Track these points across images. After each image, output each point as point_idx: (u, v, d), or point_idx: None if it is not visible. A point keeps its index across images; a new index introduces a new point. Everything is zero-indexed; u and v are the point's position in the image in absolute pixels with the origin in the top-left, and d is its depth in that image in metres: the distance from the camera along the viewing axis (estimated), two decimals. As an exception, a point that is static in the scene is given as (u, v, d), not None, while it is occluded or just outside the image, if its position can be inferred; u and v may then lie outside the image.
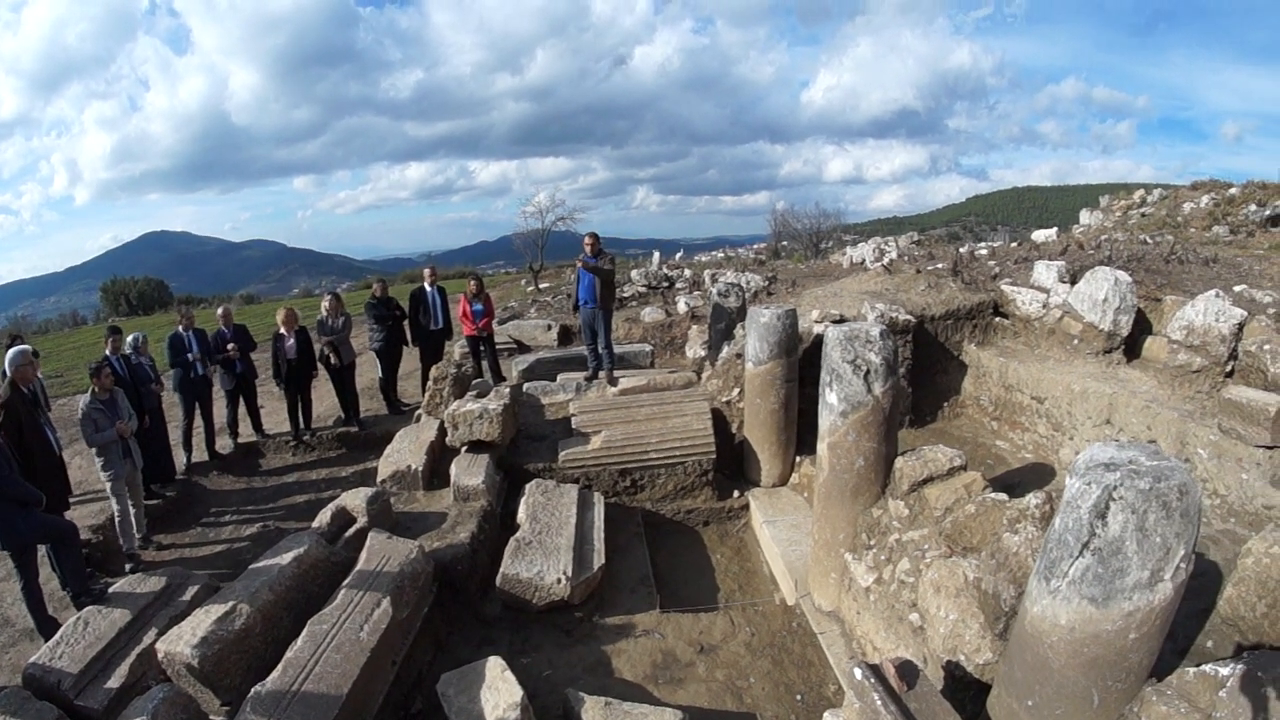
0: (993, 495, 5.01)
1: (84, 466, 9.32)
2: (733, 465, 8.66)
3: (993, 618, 4.14)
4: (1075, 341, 8.24)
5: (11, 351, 7.17)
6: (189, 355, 9.60)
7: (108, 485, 7.51)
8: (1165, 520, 2.95)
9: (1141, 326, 8.13)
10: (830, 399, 5.44)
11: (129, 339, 8.94)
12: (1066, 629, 3.26)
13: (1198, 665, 3.28)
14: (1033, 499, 4.47)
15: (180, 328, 9.67)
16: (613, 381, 9.82)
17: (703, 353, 11.06)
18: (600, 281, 9.60)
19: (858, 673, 3.80)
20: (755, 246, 34.15)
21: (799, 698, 5.38)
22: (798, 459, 8.32)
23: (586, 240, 9.92)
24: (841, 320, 9.15)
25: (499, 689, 4.88)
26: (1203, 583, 3.40)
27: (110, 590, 6.06)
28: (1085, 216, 19.12)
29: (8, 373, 6.77)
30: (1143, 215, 16.44)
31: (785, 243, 31.07)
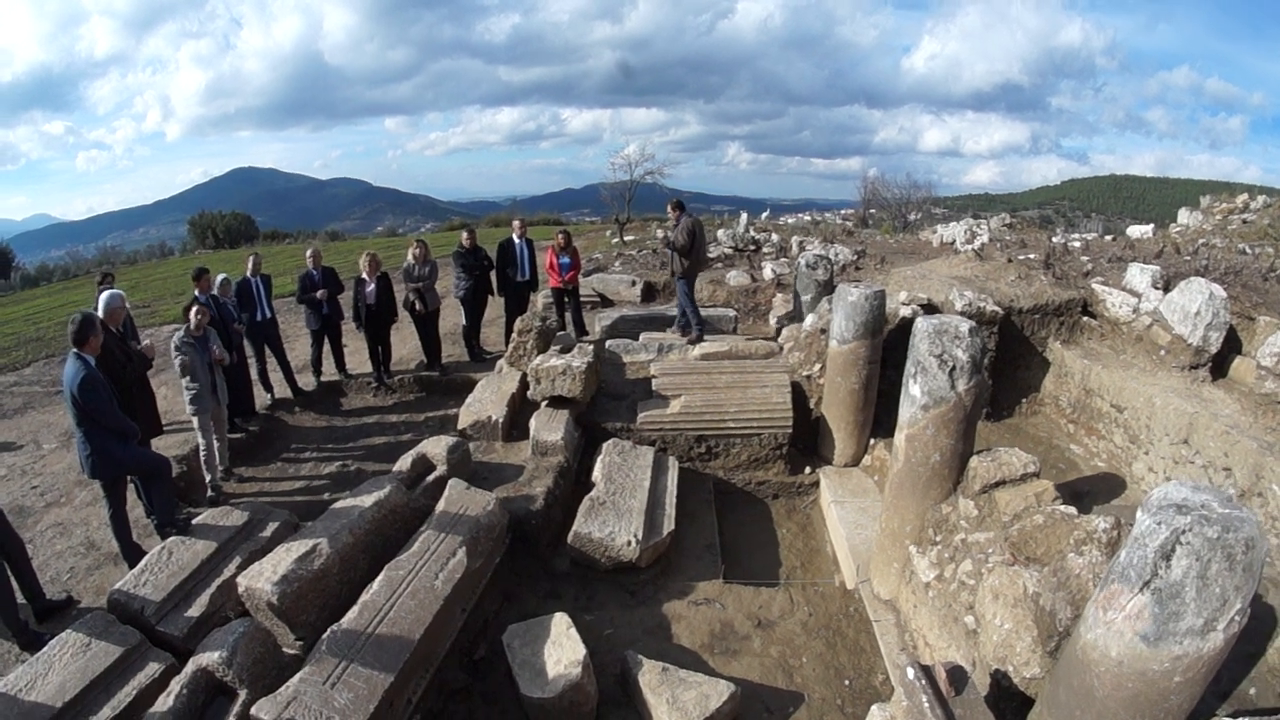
0: (1062, 508, 5.06)
1: (169, 397, 9.79)
2: (807, 440, 8.76)
3: (1045, 635, 4.25)
4: (1162, 352, 8.11)
5: (109, 294, 7.53)
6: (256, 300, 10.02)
7: (194, 420, 7.95)
8: (1227, 572, 3.04)
9: (1231, 344, 7.93)
10: (913, 391, 5.50)
11: (218, 279, 9.33)
12: (1115, 661, 3.37)
13: (1234, 713, 3.37)
14: (1101, 523, 4.53)
15: (249, 273, 10.06)
16: (692, 342, 10.45)
17: (787, 322, 11.13)
18: (673, 254, 10.41)
19: (910, 672, 3.97)
20: (843, 212, 33.77)
21: (847, 683, 5.56)
22: (872, 441, 8.40)
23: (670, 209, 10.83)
24: (929, 305, 9.15)
25: (563, 645, 5.14)
26: (1255, 626, 3.47)
27: (194, 522, 6.43)
28: (1184, 216, 18.51)
29: (100, 312, 7.09)
30: (1244, 222, 15.85)
31: (874, 211, 30.63)
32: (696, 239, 10.55)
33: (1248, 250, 11.93)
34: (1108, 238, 15.50)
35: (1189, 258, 10.89)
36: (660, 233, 11.09)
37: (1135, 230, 16.25)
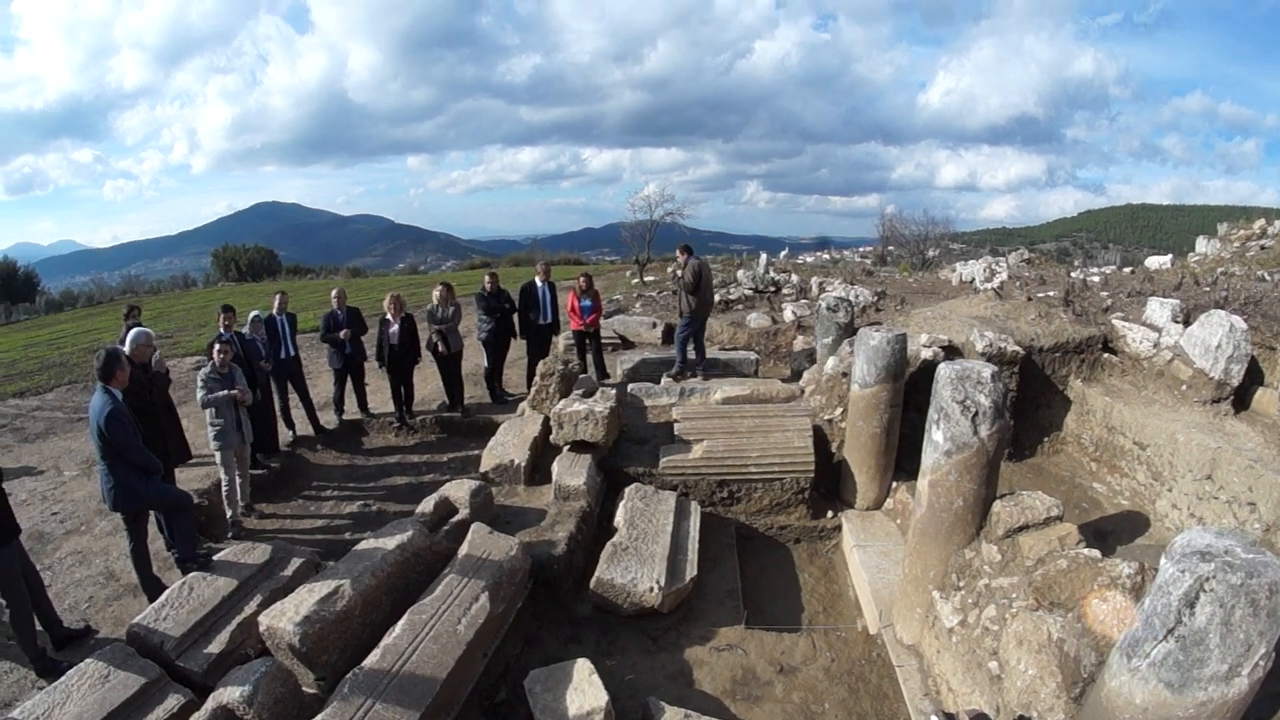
0: (1085, 552, 5.02)
1: (192, 430, 9.76)
2: (829, 484, 8.71)
3: (1070, 681, 4.23)
4: (1184, 387, 8.07)
5: (136, 331, 7.66)
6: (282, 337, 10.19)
7: (216, 455, 8.03)
8: (1251, 617, 3.04)
9: (1253, 376, 7.89)
10: (936, 436, 5.49)
11: (250, 316, 9.48)
12: (1140, 708, 3.37)
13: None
14: (1125, 568, 4.51)
15: (274, 311, 10.23)
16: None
17: (808, 365, 11.15)
18: (682, 294, 11.04)
19: (934, 719, 3.96)
20: (861, 249, 33.88)
21: (868, 729, 5.51)
22: (894, 484, 8.35)
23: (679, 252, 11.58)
24: (950, 347, 9.14)
25: (585, 691, 5.13)
26: (1282, 665, 3.46)
27: (215, 558, 6.47)
28: (1202, 244, 18.48)
29: (127, 349, 7.19)
30: (1262, 248, 15.80)
31: (892, 248, 30.58)
32: (703, 280, 10.74)
33: (1267, 277, 11.89)
34: (1126, 270, 15.49)
35: (1208, 288, 10.86)
36: (671, 270, 11.49)
37: (1153, 261, 16.25)
